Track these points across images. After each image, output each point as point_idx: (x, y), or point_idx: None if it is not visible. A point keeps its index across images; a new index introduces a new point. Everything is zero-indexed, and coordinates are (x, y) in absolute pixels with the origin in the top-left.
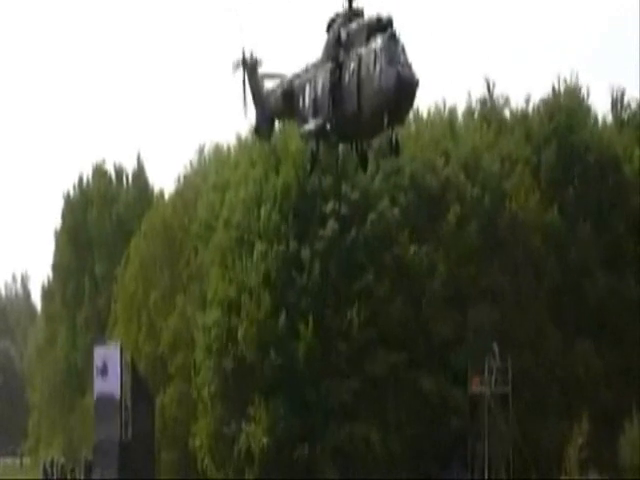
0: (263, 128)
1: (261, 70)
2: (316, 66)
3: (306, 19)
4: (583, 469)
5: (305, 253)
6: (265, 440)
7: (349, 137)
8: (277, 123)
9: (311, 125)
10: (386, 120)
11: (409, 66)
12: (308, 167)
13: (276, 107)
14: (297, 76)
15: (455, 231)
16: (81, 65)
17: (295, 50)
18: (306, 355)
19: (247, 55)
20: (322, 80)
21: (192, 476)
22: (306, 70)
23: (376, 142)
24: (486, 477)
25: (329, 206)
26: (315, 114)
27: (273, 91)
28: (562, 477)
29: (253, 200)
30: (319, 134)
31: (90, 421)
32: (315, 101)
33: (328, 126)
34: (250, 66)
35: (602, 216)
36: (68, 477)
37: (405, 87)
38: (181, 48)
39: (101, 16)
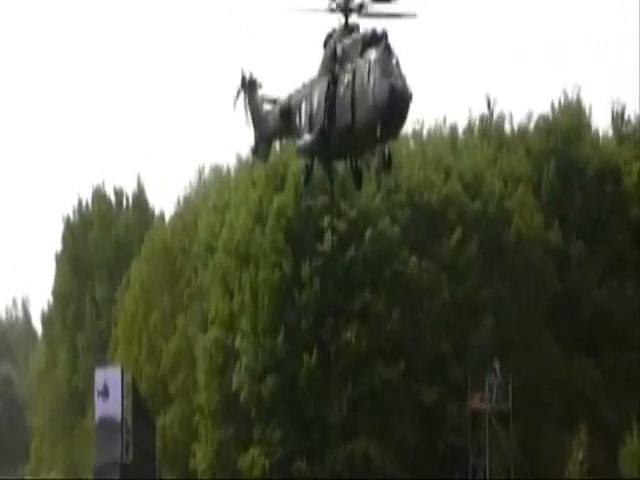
0: (261, 148)
1: (261, 92)
2: (313, 82)
3: (307, 38)
4: None
5: (305, 271)
6: (266, 459)
7: (344, 151)
8: (276, 143)
9: (306, 140)
10: (379, 133)
11: (403, 79)
12: (303, 182)
13: (274, 126)
14: (294, 94)
15: (456, 248)
16: (80, 87)
17: (295, 69)
18: (306, 373)
19: (247, 76)
20: (318, 95)
21: None
22: (303, 87)
23: (374, 160)
24: None
25: (327, 223)
26: (311, 129)
27: (272, 111)
28: None
29: (253, 219)
30: (314, 149)
31: (91, 443)
32: (311, 116)
33: (323, 141)
34: (250, 87)
35: (602, 229)
36: None
37: (398, 99)
38: (181, 70)
39: (99, 36)
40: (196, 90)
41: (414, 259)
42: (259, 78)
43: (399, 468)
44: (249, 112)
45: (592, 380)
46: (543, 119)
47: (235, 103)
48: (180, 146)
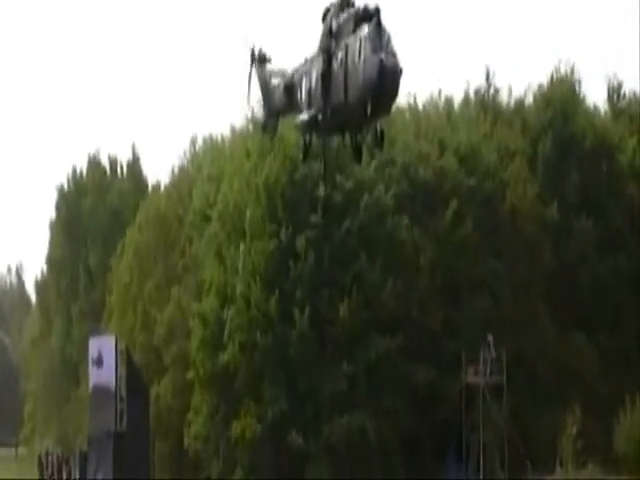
0: (270, 124)
1: (269, 66)
2: (313, 58)
3: (312, 12)
4: (578, 459)
5: (300, 242)
6: (258, 427)
7: (340, 128)
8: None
9: (304, 116)
10: (370, 109)
11: (393, 55)
12: (300, 157)
13: (280, 102)
14: (297, 69)
15: (452, 221)
16: (75, 57)
17: (301, 43)
18: (300, 342)
19: (256, 51)
20: (315, 71)
21: (187, 465)
22: (305, 63)
23: (367, 136)
24: (481, 466)
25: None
26: (309, 105)
27: (278, 86)
28: (557, 466)
29: (247, 189)
30: (312, 125)
31: (85, 411)
32: (309, 92)
33: (320, 117)
34: (258, 62)
35: (599, 204)
36: (63, 467)
37: (388, 76)
38: (177, 40)
39: (97, 9)
40: (191, 60)
41: (407, 221)
42: (268, 53)
43: (392, 436)
44: (258, 87)
45: (587, 356)
46: (539, 92)
47: (250, 78)
48: (175, 115)
